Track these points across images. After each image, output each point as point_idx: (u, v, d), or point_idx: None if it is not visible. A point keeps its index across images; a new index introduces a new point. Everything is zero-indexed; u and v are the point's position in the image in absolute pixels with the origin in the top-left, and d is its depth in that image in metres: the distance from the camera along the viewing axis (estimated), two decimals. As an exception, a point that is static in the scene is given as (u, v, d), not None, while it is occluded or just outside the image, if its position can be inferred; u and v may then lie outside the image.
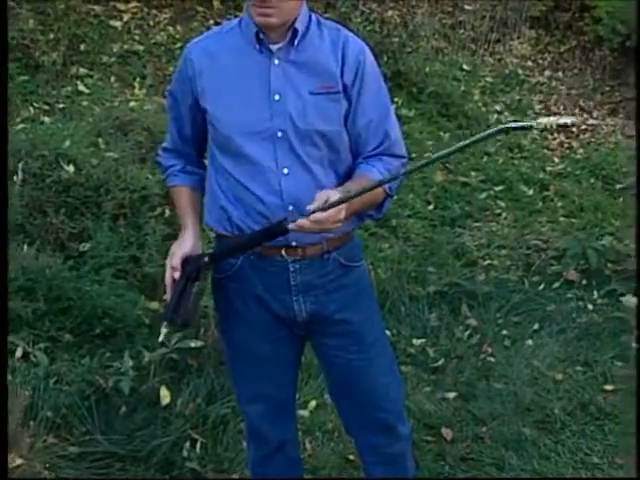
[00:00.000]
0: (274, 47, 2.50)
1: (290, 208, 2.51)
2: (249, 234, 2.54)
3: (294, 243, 2.54)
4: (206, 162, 2.72)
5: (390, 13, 8.79)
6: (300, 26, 2.50)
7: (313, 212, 2.33)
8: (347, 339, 2.69)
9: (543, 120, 2.17)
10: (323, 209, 2.33)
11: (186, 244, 2.61)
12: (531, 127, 2.18)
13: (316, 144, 2.52)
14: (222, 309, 2.74)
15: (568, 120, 2.16)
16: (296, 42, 2.50)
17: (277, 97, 2.49)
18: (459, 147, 2.34)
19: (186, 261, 2.54)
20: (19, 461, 3.26)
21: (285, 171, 2.51)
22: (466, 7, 9.36)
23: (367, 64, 2.56)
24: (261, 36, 2.49)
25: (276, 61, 2.50)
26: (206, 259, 2.55)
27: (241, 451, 3.53)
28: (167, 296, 2.58)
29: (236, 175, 2.55)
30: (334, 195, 2.36)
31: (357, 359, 2.70)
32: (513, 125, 2.27)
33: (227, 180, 2.58)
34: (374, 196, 2.56)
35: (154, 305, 4.29)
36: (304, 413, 3.78)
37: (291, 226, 2.39)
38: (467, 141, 2.28)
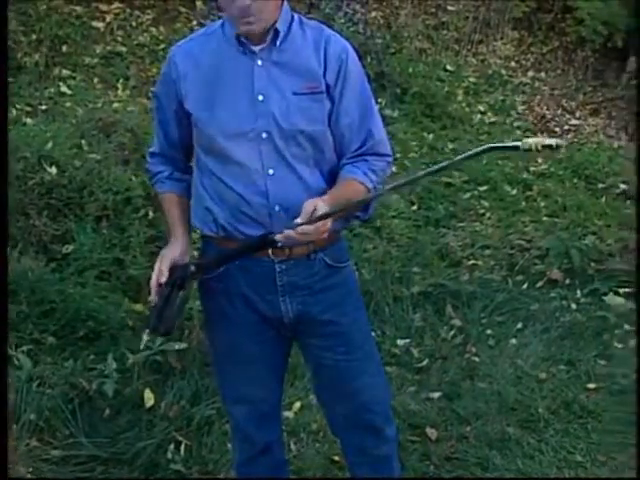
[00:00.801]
0: (256, 48, 2.50)
1: (276, 209, 2.51)
2: (235, 247, 2.55)
3: (280, 243, 2.53)
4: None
5: (374, 14, 8.82)
6: (281, 27, 2.50)
7: (301, 224, 2.35)
8: (334, 340, 2.69)
9: (529, 141, 2.20)
10: (310, 222, 2.35)
11: (176, 250, 2.61)
12: (517, 147, 2.20)
13: (301, 144, 2.52)
14: (208, 309, 2.73)
15: (553, 142, 2.19)
16: (278, 42, 2.50)
17: (261, 98, 2.49)
18: (443, 167, 2.38)
19: (174, 268, 2.54)
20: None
21: (270, 172, 2.51)
22: (449, 8, 9.41)
23: (349, 63, 2.56)
24: (242, 39, 2.49)
25: (259, 62, 2.50)
26: (193, 268, 2.55)
27: (226, 452, 3.53)
28: (151, 298, 2.57)
29: (221, 176, 2.55)
30: (321, 207, 2.37)
31: (344, 360, 2.69)
32: (499, 145, 2.30)
33: (212, 181, 2.57)
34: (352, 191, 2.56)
35: (138, 307, 4.28)
36: (289, 414, 3.77)
37: (278, 237, 2.41)
38: (451, 161, 2.31)
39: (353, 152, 2.61)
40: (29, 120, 5.61)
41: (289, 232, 2.37)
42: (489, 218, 6.31)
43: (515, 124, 8.46)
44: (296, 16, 2.57)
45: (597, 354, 4.52)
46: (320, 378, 2.82)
